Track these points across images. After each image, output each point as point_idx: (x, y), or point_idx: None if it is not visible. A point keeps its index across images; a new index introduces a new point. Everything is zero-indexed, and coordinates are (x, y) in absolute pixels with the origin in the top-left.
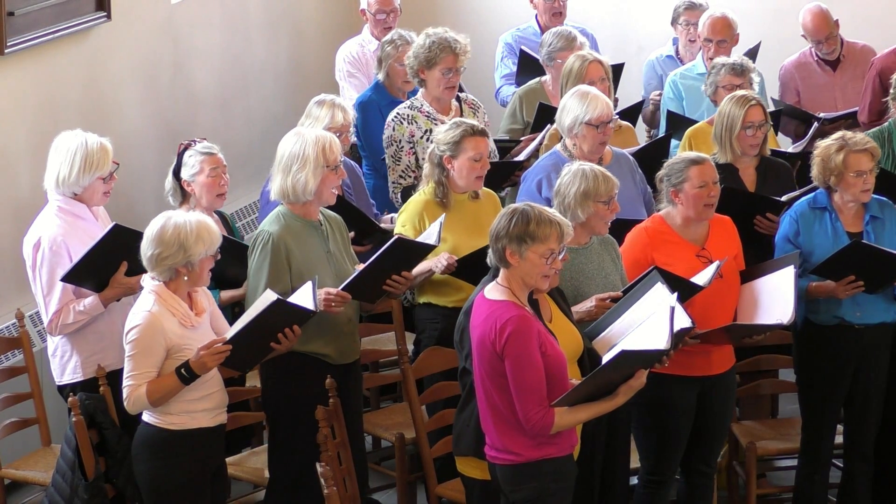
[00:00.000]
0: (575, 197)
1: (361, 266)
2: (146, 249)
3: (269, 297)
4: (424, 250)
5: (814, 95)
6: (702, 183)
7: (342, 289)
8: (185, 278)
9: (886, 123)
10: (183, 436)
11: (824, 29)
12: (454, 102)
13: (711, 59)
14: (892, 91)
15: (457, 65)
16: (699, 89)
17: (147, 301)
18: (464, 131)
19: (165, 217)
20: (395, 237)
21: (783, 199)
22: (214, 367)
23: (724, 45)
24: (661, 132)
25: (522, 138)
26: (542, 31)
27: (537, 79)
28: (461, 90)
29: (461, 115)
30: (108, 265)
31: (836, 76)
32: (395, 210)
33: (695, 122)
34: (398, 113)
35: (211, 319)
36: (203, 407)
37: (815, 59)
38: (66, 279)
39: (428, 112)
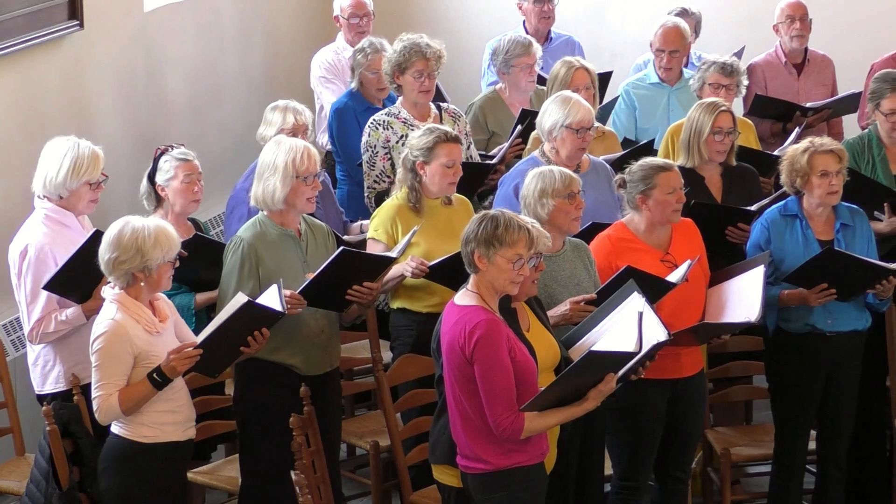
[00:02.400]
0: (534, 196)
1: (312, 275)
2: (104, 253)
3: (241, 299)
4: (382, 262)
5: (779, 96)
6: (671, 189)
7: (298, 293)
8: (143, 284)
9: (866, 130)
10: (154, 449)
11: (800, 8)
12: (433, 109)
13: (666, 68)
14: (868, 93)
15: (428, 69)
16: (651, 99)
17: (110, 310)
18: (437, 137)
19: (124, 221)
20: (341, 249)
21: (753, 208)
22: (184, 370)
23: (676, 56)
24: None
25: (502, 146)
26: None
27: (493, 88)
28: (443, 100)
29: (440, 123)
30: (91, 274)
31: (800, 80)
32: (370, 215)
33: (637, 141)
34: (374, 119)
35: (174, 327)
36: (173, 420)
37: (783, 60)
38: (48, 287)
39: (405, 118)
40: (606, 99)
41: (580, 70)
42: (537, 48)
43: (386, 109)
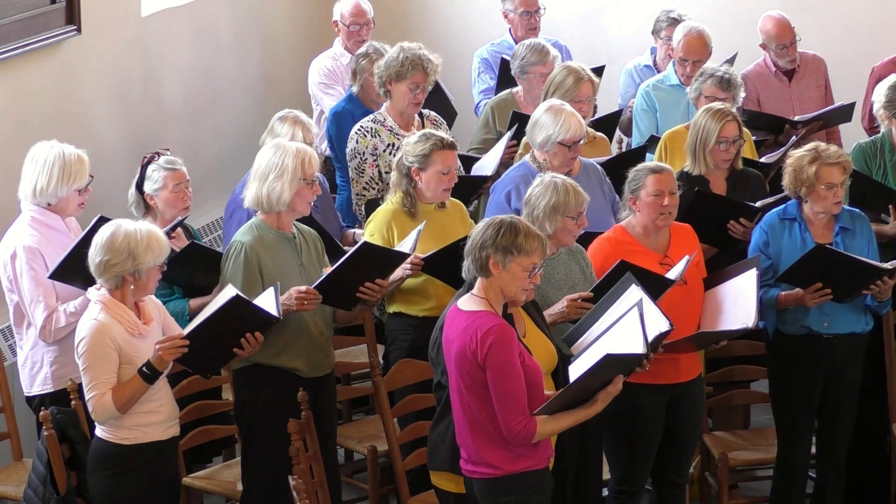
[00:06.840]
0: (544, 210)
1: (329, 269)
2: (95, 256)
3: (229, 291)
4: (397, 258)
5: (772, 105)
6: (657, 191)
7: (314, 287)
8: (132, 287)
9: (879, 134)
10: (136, 450)
11: (789, 34)
12: (416, 118)
13: (690, 76)
14: (884, 100)
15: (425, 83)
16: (672, 101)
17: (93, 310)
18: (433, 144)
19: (116, 225)
20: (362, 241)
21: (757, 204)
22: (171, 360)
23: (699, 64)
24: (634, 142)
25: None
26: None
27: (509, 90)
28: (447, 101)
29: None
30: None
31: (791, 86)
32: (360, 222)
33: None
34: (361, 126)
35: (164, 329)
36: (154, 420)
37: (773, 69)
38: (53, 276)
39: (391, 127)
40: (600, 99)
41: (587, 83)
42: (555, 56)
43: (371, 116)
